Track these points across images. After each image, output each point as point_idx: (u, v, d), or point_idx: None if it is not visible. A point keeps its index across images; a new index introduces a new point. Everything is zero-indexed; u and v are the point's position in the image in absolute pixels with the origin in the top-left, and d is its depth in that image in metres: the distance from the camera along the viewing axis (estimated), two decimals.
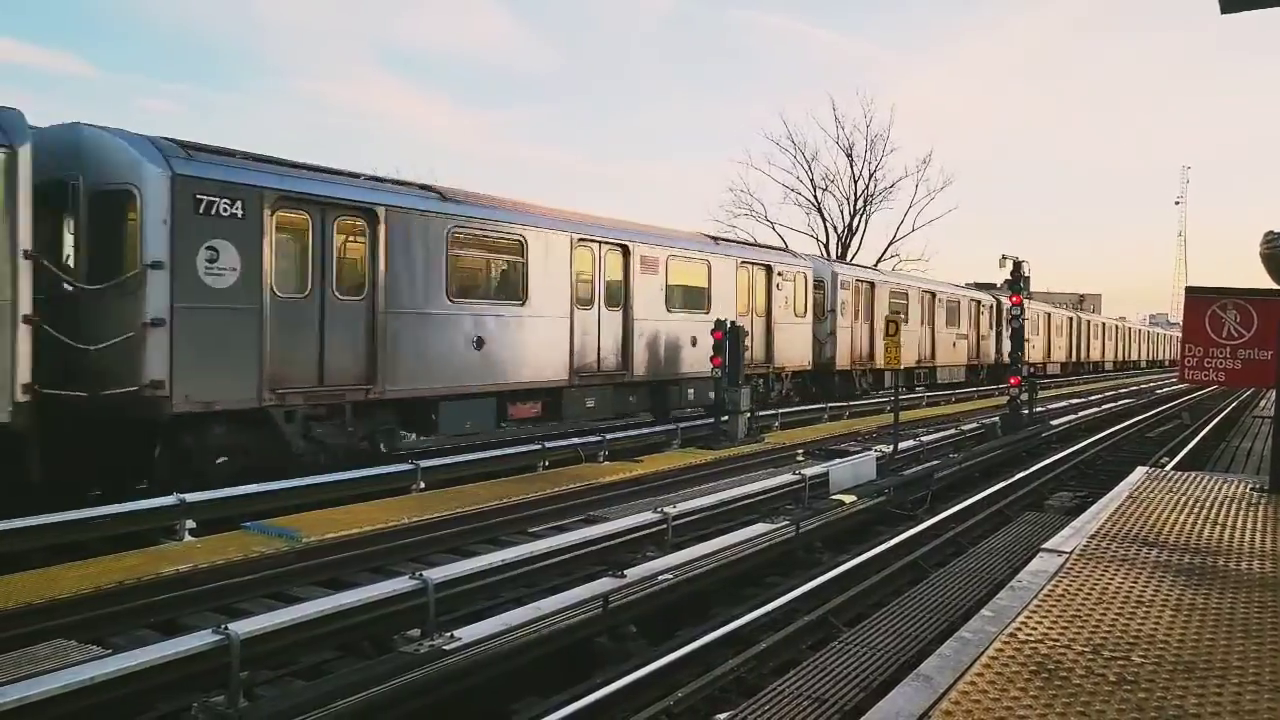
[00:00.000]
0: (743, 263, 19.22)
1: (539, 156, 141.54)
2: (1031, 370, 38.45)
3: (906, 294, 28.21)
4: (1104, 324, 61.10)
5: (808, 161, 46.89)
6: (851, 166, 47.41)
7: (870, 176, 47.43)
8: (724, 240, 19.83)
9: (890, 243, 47.97)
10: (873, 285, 25.87)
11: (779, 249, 22.30)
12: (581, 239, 14.91)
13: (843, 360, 23.87)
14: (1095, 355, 56.02)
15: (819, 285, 22.90)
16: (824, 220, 47.75)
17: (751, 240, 20.64)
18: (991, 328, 35.86)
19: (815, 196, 47.46)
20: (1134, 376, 56.44)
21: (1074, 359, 49.95)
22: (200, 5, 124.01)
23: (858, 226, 47.93)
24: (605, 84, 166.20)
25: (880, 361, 24.75)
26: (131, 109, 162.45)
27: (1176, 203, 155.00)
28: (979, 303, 35.16)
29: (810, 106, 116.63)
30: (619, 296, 15.81)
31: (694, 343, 17.11)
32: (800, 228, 48.56)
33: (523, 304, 13.69)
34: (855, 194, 47.65)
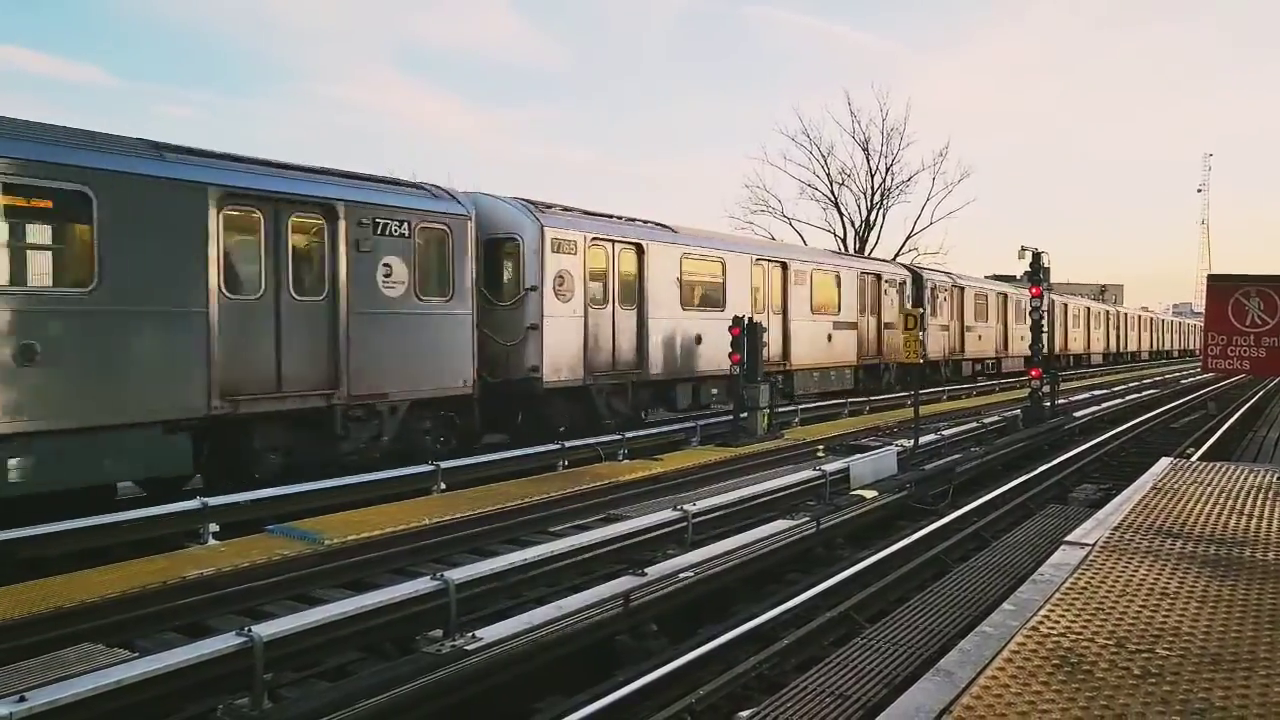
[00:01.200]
0: (233, 193, 10.08)
1: (551, 155, 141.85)
2: (981, 369, 32.11)
3: (723, 264, 18.30)
4: (1089, 309, 49.24)
5: (823, 156, 46.53)
6: (868, 160, 47.07)
7: (887, 170, 47.06)
8: (182, 151, 10.15)
9: (908, 236, 47.66)
10: (640, 249, 16.16)
11: (381, 181, 12.51)
12: None
13: (568, 369, 14.71)
14: (1076, 347, 45.11)
15: (504, 247, 14.38)
16: (841, 215, 47.48)
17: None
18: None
19: (832, 191, 47.14)
20: (1128, 371, 46.19)
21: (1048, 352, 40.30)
22: (216, 12, 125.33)
23: (875, 221, 47.67)
24: (619, 83, 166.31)
25: (657, 368, 16.42)
26: (152, 116, 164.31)
27: (1199, 191, 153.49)
28: (879, 277, 24.83)
29: (826, 102, 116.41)
30: None
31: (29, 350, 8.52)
32: (818, 223, 48.21)
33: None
34: (872, 188, 47.35)
